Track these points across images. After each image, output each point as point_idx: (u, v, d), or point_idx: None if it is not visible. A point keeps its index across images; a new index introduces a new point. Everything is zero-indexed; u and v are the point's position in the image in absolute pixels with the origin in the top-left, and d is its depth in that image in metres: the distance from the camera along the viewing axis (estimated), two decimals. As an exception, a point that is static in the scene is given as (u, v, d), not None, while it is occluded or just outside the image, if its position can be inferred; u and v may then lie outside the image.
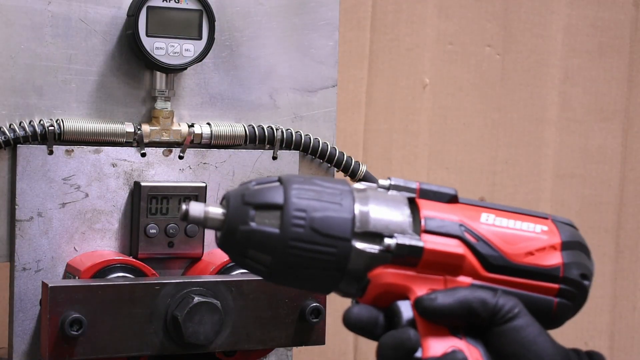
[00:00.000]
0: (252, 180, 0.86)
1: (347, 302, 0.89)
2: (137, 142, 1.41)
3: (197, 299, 1.32)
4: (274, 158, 1.48)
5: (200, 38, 1.40)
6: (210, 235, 1.44)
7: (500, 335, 0.84)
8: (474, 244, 0.86)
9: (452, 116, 2.17)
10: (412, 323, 0.84)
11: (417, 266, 0.85)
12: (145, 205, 1.39)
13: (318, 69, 1.52)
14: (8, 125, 1.35)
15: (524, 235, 0.88)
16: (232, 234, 0.84)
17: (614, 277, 2.31)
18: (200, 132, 1.44)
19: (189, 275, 1.42)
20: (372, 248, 0.84)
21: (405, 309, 0.85)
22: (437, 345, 0.83)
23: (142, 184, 1.40)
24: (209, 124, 1.45)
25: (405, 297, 0.86)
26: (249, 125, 1.47)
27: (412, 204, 0.87)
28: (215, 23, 1.41)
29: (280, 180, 0.86)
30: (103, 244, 1.40)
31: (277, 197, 0.84)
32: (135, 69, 1.42)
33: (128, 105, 1.42)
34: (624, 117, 2.31)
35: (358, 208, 0.85)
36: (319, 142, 1.50)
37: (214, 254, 1.43)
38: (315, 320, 1.39)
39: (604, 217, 2.30)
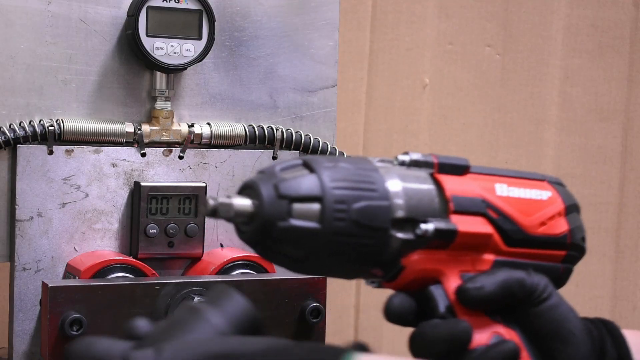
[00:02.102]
0: (274, 166, 0.80)
1: (347, 303, 0.88)
2: (137, 142, 1.41)
3: (197, 299, 1.32)
4: (274, 158, 1.48)
5: (200, 38, 1.40)
6: (210, 235, 1.44)
7: (535, 316, 0.83)
8: (496, 219, 0.85)
9: (452, 116, 2.17)
10: (450, 310, 0.83)
11: (447, 248, 0.84)
12: (145, 205, 1.39)
13: (318, 69, 1.52)
14: (8, 125, 1.35)
15: (536, 205, 0.88)
16: (267, 230, 0.78)
17: (614, 277, 2.31)
18: (200, 132, 1.44)
19: (189, 275, 1.42)
20: (409, 235, 0.82)
21: (440, 296, 0.84)
22: (480, 332, 0.82)
23: (142, 184, 1.40)
24: (209, 124, 1.45)
25: (436, 280, 0.84)
26: (249, 125, 1.47)
27: (433, 180, 0.85)
28: (215, 23, 1.41)
29: (306, 165, 0.80)
30: (103, 244, 1.40)
31: (314, 188, 0.79)
32: (135, 69, 1.42)
33: (128, 105, 1.42)
34: (624, 117, 2.31)
35: (392, 193, 0.81)
36: (319, 142, 1.50)
37: (214, 254, 1.43)
38: (315, 320, 1.39)
39: (604, 217, 2.30)
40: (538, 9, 2.22)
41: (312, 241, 0.78)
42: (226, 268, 1.40)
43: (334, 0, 1.52)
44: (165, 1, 1.38)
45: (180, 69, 1.40)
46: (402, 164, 0.84)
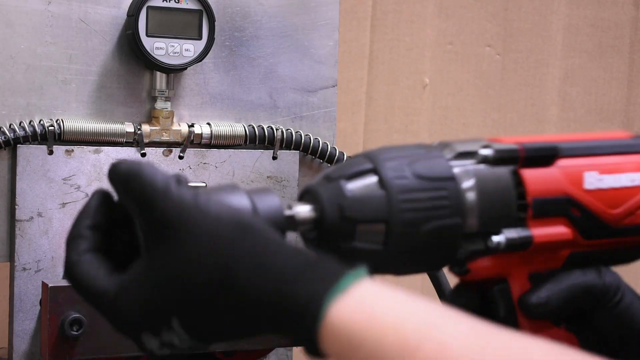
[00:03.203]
0: (339, 172, 0.75)
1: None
2: (137, 142, 1.41)
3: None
4: (274, 158, 1.48)
5: (200, 38, 1.40)
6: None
7: (607, 318, 0.80)
8: (578, 218, 0.80)
9: (452, 116, 2.17)
10: (511, 313, 0.80)
11: (520, 253, 0.79)
12: (145, 205, 1.39)
13: (318, 69, 1.52)
14: (8, 125, 1.35)
15: (627, 193, 0.82)
16: (333, 216, 0.73)
17: (614, 277, 2.31)
18: (200, 132, 1.44)
19: (189, 275, 1.42)
20: (478, 246, 0.77)
21: (503, 298, 0.80)
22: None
23: (142, 184, 1.39)
24: (209, 124, 1.45)
25: (503, 279, 0.80)
26: (249, 125, 1.47)
27: (515, 176, 0.79)
28: (215, 23, 1.41)
29: (357, 155, 0.76)
30: (103, 244, 1.40)
31: (365, 164, 0.75)
32: (135, 69, 1.42)
33: (128, 105, 1.42)
34: (624, 117, 2.31)
35: (466, 208, 0.76)
36: (319, 142, 1.50)
37: (214, 254, 1.43)
38: (315, 320, 1.39)
39: (604, 217, 2.29)
40: (538, 9, 2.22)
41: (375, 259, 0.74)
42: (226, 268, 1.40)
43: (334, 0, 1.52)
44: (165, 1, 1.38)
45: (180, 69, 1.40)
46: (485, 160, 0.78)
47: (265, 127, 1.48)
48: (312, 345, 0.63)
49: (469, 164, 0.77)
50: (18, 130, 1.34)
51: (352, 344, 0.60)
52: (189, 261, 0.65)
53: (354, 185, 0.74)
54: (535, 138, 0.82)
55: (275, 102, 1.50)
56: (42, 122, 1.36)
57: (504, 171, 0.78)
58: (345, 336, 0.60)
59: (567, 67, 2.25)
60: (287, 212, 0.73)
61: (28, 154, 1.35)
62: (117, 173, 0.69)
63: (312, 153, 1.50)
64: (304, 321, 0.62)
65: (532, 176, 0.79)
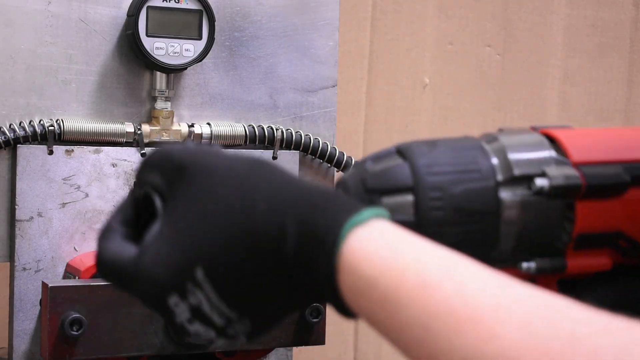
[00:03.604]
0: (366, 158, 0.72)
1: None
2: (137, 142, 1.41)
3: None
4: (274, 158, 1.48)
5: (200, 38, 1.40)
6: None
7: None
8: (624, 248, 0.73)
9: (452, 116, 2.17)
10: None
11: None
12: (145, 205, 1.39)
13: (318, 69, 1.52)
14: (8, 125, 1.35)
15: None
16: None
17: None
18: (200, 132, 1.44)
19: (189, 275, 1.42)
20: (506, 264, 0.72)
21: None
22: None
23: (142, 184, 1.39)
24: (209, 124, 1.45)
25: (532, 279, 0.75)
26: (249, 125, 1.47)
27: (568, 210, 0.71)
28: (215, 23, 1.41)
29: (400, 152, 0.72)
30: (103, 244, 1.40)
31: (405, 178, 0.70)
32: (135, 69, 1.42)
33: (128, 105, 1.42)
34: (624, 117, 2.31)
35: (501, 241, 0.71)
36: (319, 142, 1.50)
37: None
38: (315, 320, 1.39)
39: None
40: (538, 9, 2.22)
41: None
42: (226, 268, 1.40)
43: (334, 0, 1.52)
44: (165, 1, 1.38)
45: (180, 69, 1.40)
46: (540, 192, 0.70)
47: (265, 127, 1.48)
48: (332, 286, 0.61)
49: (519, 194, 0.71)
50: (18, 130, 1.34)
51: (370, 279, 0.59)
52: (207, 199, 0.64)
53: (378, 164, 0.71)
54: (615, 151, 0.73)
55: (275, 102, 1.50)
56: (42, 122, 1.36)
57: (557, 205, 0.71)
58: (364, 269, 0.59)
59: (567, 67, 2.25)
60: None
61: (28, 154, 1.35)
62: (144, 161, 0.70)
63: (312, 153, 1.50)
64: (323, 249, 0.60)
65: (587, 211, 0.71)
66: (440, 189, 0.70)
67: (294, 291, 0.64)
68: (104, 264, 0.69)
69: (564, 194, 0.70)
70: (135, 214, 0.70)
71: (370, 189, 0.70)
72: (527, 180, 0.71)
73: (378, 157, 0.72)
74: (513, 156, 0.72)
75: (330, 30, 1.52)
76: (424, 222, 0.69)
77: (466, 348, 0.54)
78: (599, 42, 2.27)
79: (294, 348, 1.51)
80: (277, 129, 1.48)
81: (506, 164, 0.71)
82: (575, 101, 2.26)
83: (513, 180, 0.71)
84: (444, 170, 0.70)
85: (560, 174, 0.70)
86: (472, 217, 0.70)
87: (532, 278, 0.75)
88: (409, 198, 0.70)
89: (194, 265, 0.63)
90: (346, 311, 0.61)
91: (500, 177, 0.71)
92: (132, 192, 0.71)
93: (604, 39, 2.28)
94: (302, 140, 1.49)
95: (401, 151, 0.72)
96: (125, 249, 0.68)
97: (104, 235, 0.70)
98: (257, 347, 1.39)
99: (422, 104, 2.15)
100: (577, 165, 0.71)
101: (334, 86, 1.53)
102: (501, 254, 0.72)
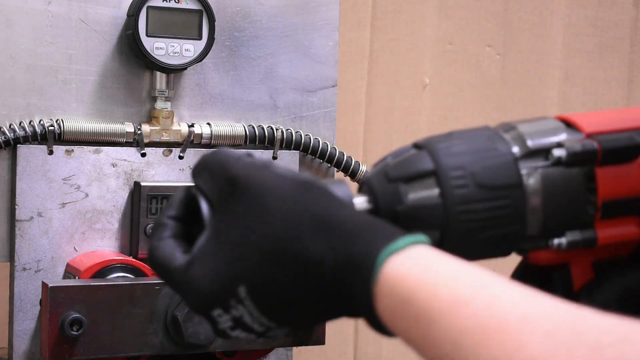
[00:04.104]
0: (386, 157, 0.74)
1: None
2: (137, 142, 1.41)
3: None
4: (274, 158, 1.48)
5: (200, 38, 1.40)
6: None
7: None
8: None
9: (452, 116, 2.17)
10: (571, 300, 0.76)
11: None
12: (145, 205, 1.39)
13: (318, 69, 1.52)
14: (8, 125, 1.35)
15: None
16: (387, 220, 0.70)
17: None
18: (200, 132, 1.44)
19: (189, 275, 1.42)
20: (538, 244, 0.74)
21: (561, 287, 0.76)
22: None
23: (142, 184, 1.40)
24: (209, 124, 1.45)
25: (565, 264, 0.77)
26: (249, 125, 1.47)
27: (589, 177, 0.73)
28: (215, 23, 1.41)
29: (417, 145, 0.74)
30: (103, 244, 1.40)
31: (426, 163, 0.72)
32: (135, 69, 1.42)
33: (128, 105, 1.42)
34: (624, 117, 2.31)
35: (528, 216, 0.72)
36: (319, 142, 1.50)
37: (214, 254, 1.43)
38: (315, 320, 1.39)
39: (604, 217, 2.29)
40: (538, 9, 2.22)
41: (438, 217, 0.71)
42: (226, 268, 1.40)
43: (334, 0, 1.52)
44: (165, 1, 1.38)
45: (180, 69, 1.40)
46: (558, 162, 0.73)
47: (265, 127, 1.48)
48: (369, 309, 0.64)
49: (539, 166, 0.73)
50: (18, 130, 1.34)
51: (404, 298, 0.61)
52: (255, 219, 0.67)
53: (412, 194, 0.72)
54: (622, 121, 0.76)
55: (275, 102, 1.50)
56: (42, 122, 1.36)
57: (577, 173, 0.73)
58: (399, 290, 0.62)
59: (567, 67, 2.25)
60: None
61: (28, 154, 1.35)
62: (200, 161, 0.73)
63: (312, 153, 1.50)
64: (360, 274, 0.64)
65: (607, 177, 0.73)
66: (461, 168, 0.71)
67: (332, 308, 0.68)
68: (154, 263, 0.73)
69: (581, 160, 0.72)
70: (185, 211, 0.74)
71: (393, 178, 0.72)
72: (544, 152, 0.73)
73: (397, 153, 0.74)
74: (527, 133, 0.74)
75: (330, 30, 1.52)
76: (449, 201, 0.71)
77: None
78: (599, 42, 2.27)
79: (294, 348, 1.51)
80: (277, 129, 1.48)
81: (522, 141, 0.73)
82: (575, 101, 2.26)
83: (530, 154, 0.72)
84: (462, 150, 0.72)
85: (575, 142, 0.72)
86: (496, 192, 0.71)
87: (566, 261, 0.76)
88: (431, 181, 0.71)
89: (237, 283, 0.68)
90: (383, 329, 0.64)
91: (517, 151, 0.73)
92: (186, 189, 0.74)
93: (604, 39, 2.28)
94: (302, 140, 1.49)
95: (418, 144, 0.74)
96: (174, 255, 0.71)
97: (156, 231, 0.74)
98: (257, 347, 1.39)
99: (422, 104, 2.15)
100: (590, 136, 0.74)
101: (334, 86, 1.53)
102: (532, 233, 0.73)
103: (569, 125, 0.76)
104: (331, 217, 0.66)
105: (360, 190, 0.75)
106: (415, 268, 0.62)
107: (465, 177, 0.71)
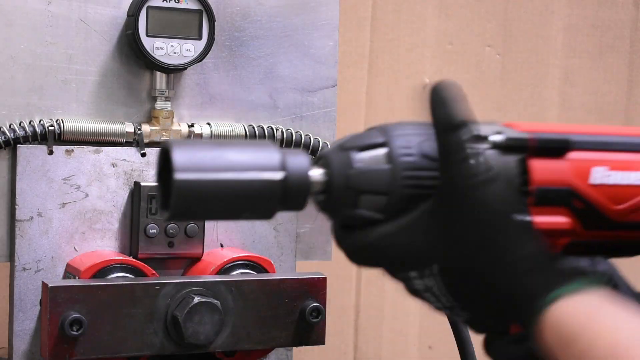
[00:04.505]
0: (355, 141, 0.80)
1: (347, 303, 0.88)
2: (137, 142, 1.41)
3: (197, 299, 1.32)
4: (274, 158, 1.48)
5: (200, 38, 1.40)
6: (210, 235, 1.44)
7: None
8: (580, 209, 0.82)
9: (452, 116, 2.17)
10: None
11: None
12: (145, 205, 1.39)
13: (318, 69, 1.52)
14: (8, 125, 1.35)
15: (634, 191, 0.83)
16: (340, 184, 0.77)
17: (614, 277, 2.31)
18: (200, 132, 1.44)
19: (189, 275, 1.42)
20: None
21: None
22: None
23: (142, 184, 1.40)
24: (209, 124, 1.45)
25: None
26: (249, 125, 1.47)
27: (523, 164, 0.81)
28: (215, 23, 1.41)
29: (373, 127, 0.81)
30: (103, 244, 1.40)
31: (377, 137, 0.79)
32: (135, 69, 1.42)
33: (128, 105, 1.42)
34: (624, 117, 2.31)
35: None
36: (319, 142, 1.50)
37: (213, 254, 1.43)
38: (315, 320, 1.39)
39: (604, 217, 2.29)
40: (538, 9, 2.22)
41: (386, 182, 0.78)
42: (226, 268, 1.40)
43: (334, 0, 1.52)
44: (165, 1, 1.38)
45: (180, 69, 1.40)
46: (495, 146, 0.81)
47: (265, 127, 1.48)
48: (531, 332, 0.72)
49: (479, 147, 0.80)
50: (18, 130, 1.34)
51: (568, 338, 0.69)
52: (464, 226, 0.75)
53: (362, 158, 0.78)
54: (553, 127, 0.84)
55: (275, 102, 1.50)
56: (42, 122, 1.36)
57: (512, 159, 0.81)
58: (563, 331, 0.69)
59: (567, 67, 2.25)
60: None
61: (28, 154, 1.35)
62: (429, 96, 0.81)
63: (312, 153, 1.50)
64: (527, 308, 0.72)
65: (539, 166, 0.81)
66: (408, 142, 0.79)
67: (506, 320, 0.77)
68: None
69: (517, 147, 0.81)
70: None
71: (346, 148, 0.79)
72: (485, 139, 0.81)
73: (363, 147, 0.80)
74: (473, 126, 0.83)
75: (330, 30, 1.52)
76: (396, 167, 0.78)
77: None
78: (599, 42, 2.27)
79: (294, 348, 1.51)
80: (277, 129, 1.48)
81: (468, 130, 0.81)
82: (575, 101, 2.26)
83: (472, 139, 0.80)
84: (411, 131, 0.80)
85: (513, 133, 0.81)
86: (439, 163, 0.79)
87: None
88: (381, 151, 0.79)
89: (434, 260, 0.77)
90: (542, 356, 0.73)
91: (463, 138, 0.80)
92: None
93: (604, 39, 2.28)
94: (302, 140, 1.49)
95: (373, 127, 0.81)
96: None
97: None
98: (257, 347, 1.39)
99: (422, 104, 2.15)
100: (524, 131, 0.83)
101: (334, 86, 1.53)
102: None
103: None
104: (513, 251, 0.75)
105: (317, 163, 0.80)
106: (582, 312, 0.70)
107: (411, 147, 0.79)
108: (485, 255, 0.75)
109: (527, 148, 0.81)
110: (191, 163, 0.74)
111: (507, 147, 0.81)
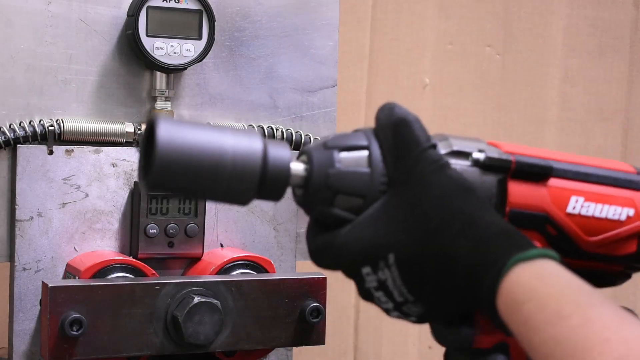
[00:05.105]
0: (339, 140, 0.81)
1: (347, 303, 0.88)
2: (137, 142, 1.41)
3: (197, 299, 1.32)
4: (274, 158, 1.48)
5: (200, 38, 1.40)
6: (210, 235, 1.44)
7: None
8: (552, 236, 0.83)
9: (452, 116, 2.17)
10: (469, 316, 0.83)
11: None
12: (145, 205, 1.39)
13: (318, 69, 1.52)
14: (8, 125, 1.35)
15: (608, 225, 0.84)
16: (319, 182, 0.79)
17: (614, 277, 2.31)
18: (200, 132, 1.44)
19: (189, 275, 1.42)
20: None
21: None
22: (488, 336, 0.81)
23: (142, 184, 1.39)
24: (209, 124, 1.45)
25: None
26: (249, 125, 1.47)
27: (501, 185, 0.82)
28: (215, 23, 1.41)
29: (359, 129, 0.83)
30: (103, 244, 1.40)
31: (361, 140, 0.81)
32: (135, 69, 1.42)
33: (128, 105, 1.42)
34: (624, 117, 2.31)
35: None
36: (319, 142, 1.50)
37: (214, 254, 1.43)
38: (315, 320, 1.39)
39: (604, 217, 2.29)
40: (538, 9, 2.22)
41: (364, 186, 0.79)
42: (226, 268, 1.40)
43: (334, 0, 1.52)
44: (165, 1, 1.38)
45: (180, 69, 1.40)
46: (476, 164, 0.82)
47: (265, 127, 1.48)
48: (491, 305, 0.73)
49: (459, 164, 0.82)
50: (18, 130, 1.35)
51: (518, 302, 0.71)
52: (419, 205, 0.77)
53: (343, 158, 0.80)
54: (536, 152, 0.85)
55: (275, 102, 1.50)
56: (42, 122, 1.36)
57: (491, 179, 0.82)
58: (515, 295, 0.71)
59: (567, 67, 2.25)
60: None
61: (28, 154, 1.35)
62: (388, 114, 0.82)
63: (312, 153, 1.50)
64: (490, 273, 0.73)
65: (517, 189, 0.83)
66: None
67: (460, 297, 0.77)
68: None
69: (497, 167, 0.82)
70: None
71: (329, 146, 0.80)
72: (466, 155, 0.83)
73: (345, 147, 0.81)
74: (455, 141, 0.85)
75: (330, 30, 1.52)
76: (376, 172, 0.79)
77: None
78: (599, 42, 2.27)
79: (294, 348, 1.51)
80: (277, 129, 1.48)
81: (449, 145, 0.83)
82: (575, 101, 2.26)
83: (454, 154, 0.82)
84: None
85: (495, 153, 0.83)
86: None
87: None
88: (364, 153, 0.80)
89: (389, 250, 0.78)
90: (502, 326, 0.73)
91: (442, 150, 0.82)
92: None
93: (604, 39, 2.28)
94: (302, 140, 1.50)
95: (358, 129, 0.83)
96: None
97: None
98: (257, 347, 1.39)
99: (422, 104, 2.15)
100: (508, 152, 0.84)
101: (334, 86, 1.53)
102: None
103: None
104: (478, 219, 0.76)
105: (299, 158, 0.81)
106: (535, 279, 0.71)
107: None
108: (449, 228, 0.76)
109: (508, 170, 0.82)
110: (176, 136, 0.76)
111: (488, 166, 0.82)
